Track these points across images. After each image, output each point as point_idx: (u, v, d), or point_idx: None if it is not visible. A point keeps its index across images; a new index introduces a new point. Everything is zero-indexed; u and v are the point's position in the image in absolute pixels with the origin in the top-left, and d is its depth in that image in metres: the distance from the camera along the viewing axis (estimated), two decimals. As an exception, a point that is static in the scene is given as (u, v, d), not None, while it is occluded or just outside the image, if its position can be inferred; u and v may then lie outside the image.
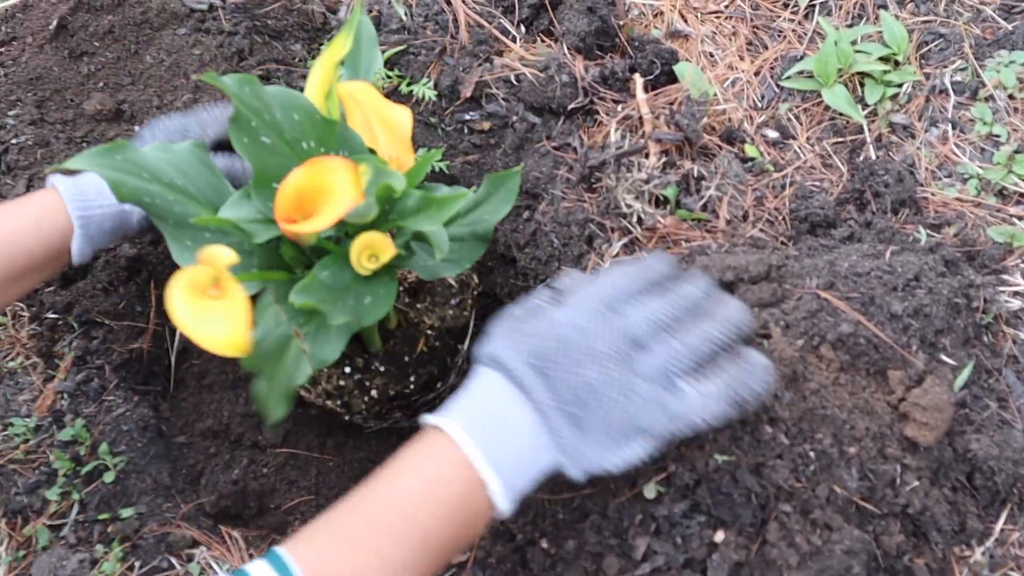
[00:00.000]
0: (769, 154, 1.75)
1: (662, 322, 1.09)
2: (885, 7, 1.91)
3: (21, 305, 1.58)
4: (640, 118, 1.72)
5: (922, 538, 1.32)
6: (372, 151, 1.21)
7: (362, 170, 1.12)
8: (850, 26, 1.90)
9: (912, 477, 1.32)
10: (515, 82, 1.76)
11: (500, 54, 1.83)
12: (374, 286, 1.19)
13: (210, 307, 1.00)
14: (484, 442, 1.01)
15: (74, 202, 1.29)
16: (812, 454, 1.33)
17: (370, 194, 1.12)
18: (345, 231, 1.21)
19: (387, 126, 1.21)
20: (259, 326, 1.18)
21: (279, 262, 1.22)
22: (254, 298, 1.11)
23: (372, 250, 1.15)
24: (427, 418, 1.05)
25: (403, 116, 1.22)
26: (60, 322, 1.56)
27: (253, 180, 1.15)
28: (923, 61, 1.85)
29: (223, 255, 1.02)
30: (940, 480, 1.35)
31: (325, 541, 0.98)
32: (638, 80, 1.77)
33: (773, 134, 1.78)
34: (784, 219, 1.64)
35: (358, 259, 1.14)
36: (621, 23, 1.84)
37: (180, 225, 1.20)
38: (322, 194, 1.07)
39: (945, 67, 1.83)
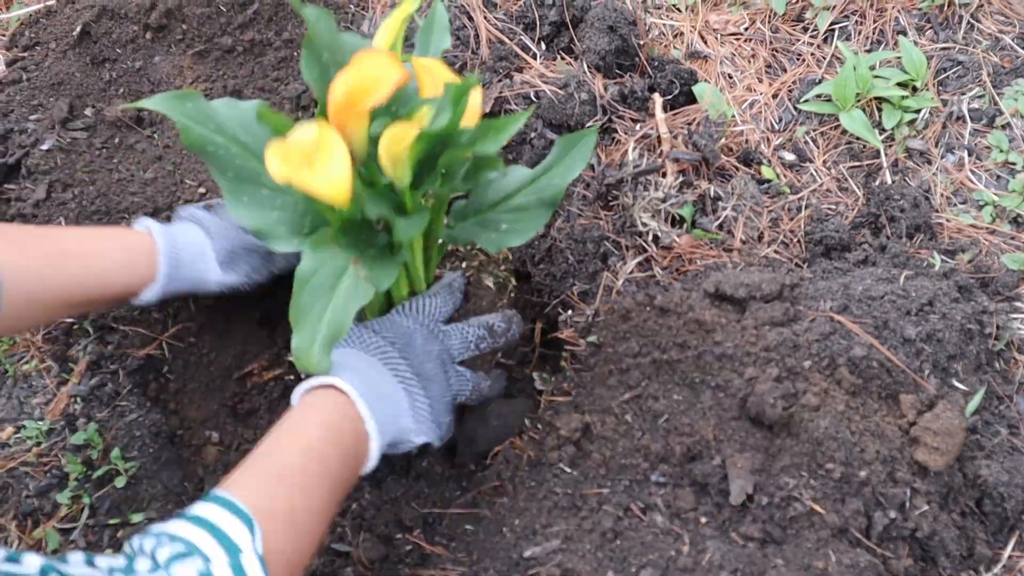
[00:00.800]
0: (786, 176, 1.76)
1: (471, 344, 1.38)
2: (904, 33, 1.91)
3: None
4: (658, 137, 1.73)
5: (930, 562, 1.31)
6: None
7: (425, 110, 1.19)
8: (869, 51, 1.91)
9: (922, 501, 1.32)
10: (534, 99, 1.77)
11: (520, 70, 1.83)
12: (409, 216, 1.24)
13: (312, 161, 1.09)
14: (371, 403, 1.20)
15: (168, 259, 1.36)
16: (822, 475, 1.33)
17: (445, 104, 1.17)
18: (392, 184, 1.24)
19: None
20: (310, 263, 1.20)
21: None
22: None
23: (397, 138, 1.17)
24: (326, 379, 1.21)
25: (474, 89, 1.26)
26: (75, 326, 1.57)
27: (317, 110, 1.20)
28: (941, 88, 1.85)
29: (314, 126, 1.10)
30: (949, 505, 1.35)
31: (257, 485, 1.08)
32: (657, 100, 1.77)
33: (790, 156, 1.79)
34: (799, 241, 1.65)
35: (387, 151, 1.17)
36: (641, 43, 1.84)
37: (240, 179, 1.24)
38: (369, 83, 1.12)
39: (963, 94, 1.84)
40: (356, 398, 1.19)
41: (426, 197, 1.30)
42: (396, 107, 1.23)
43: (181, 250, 1.37)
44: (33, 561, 0.88)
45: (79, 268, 1.29)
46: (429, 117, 1.20)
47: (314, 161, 1.09)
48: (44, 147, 1.70)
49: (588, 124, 1.76)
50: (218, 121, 1.25)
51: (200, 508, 1.04)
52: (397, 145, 1.17)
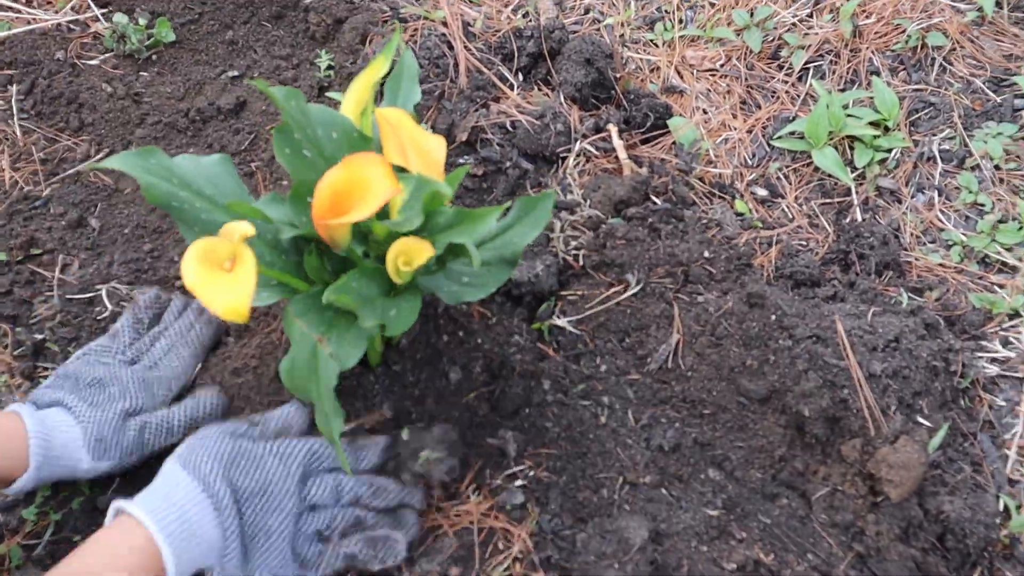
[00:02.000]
0: (758, 211, 1.77)
1: (341, 494, 1.30)
2: (878, 73, 1.94)
3: (5, 328, 1.58)
4: (619, 165, 1.75)
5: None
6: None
7: (401, 186, 1.17)
8: (843, 90, 1.93)
9: (876, 531, 1.34)
10: (510, 128, 1.78)
11: (497, 100, 1.85)
12: (399, 301, 1.24)
13: (220, 278, 1.07)
14: (174, 543, 1.14)
15: (39, 451, 1.30)
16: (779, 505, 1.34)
17: (415, 203, 1.18)
18: (366, 251, 1.24)
19: (421, 152, 1.24)
20: (292, 346, 1.21)
21: (303, 276, 1.26)
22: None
23: (407, 255, 1.18)
24: (124, 504, 1.16)
25: (437, 144, 1.26)
26: (46, 342, 1.56)
27: (291, 190, 1.21)
28: (912, 128, 1.88)
29: (242, 228, 1.08)
30: (910, 539, 1.36)
31: None
32: (612, 129, 1.80)
33: (762, 192, 1.81)
34: (769, 276, 1.66)
35: (394, 262, 1.18)
36: (618, 76, 1.86)
37: (206, 233, 1.23)
38: (358, 190, 1.12)
39: (934, 135, 1.86)
40: (158, 537, 1.14)
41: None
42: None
43: (51, 440, 1.32)
44: None
45: None
46: (402, 197, 1.20)
47: (223, 279, 1.08)
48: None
49: (561, 152, 1.77)
50: (182, 176, 1.25)
51: None
52: (407, 264, 1.18)
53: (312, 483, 1.29)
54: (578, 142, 1.78)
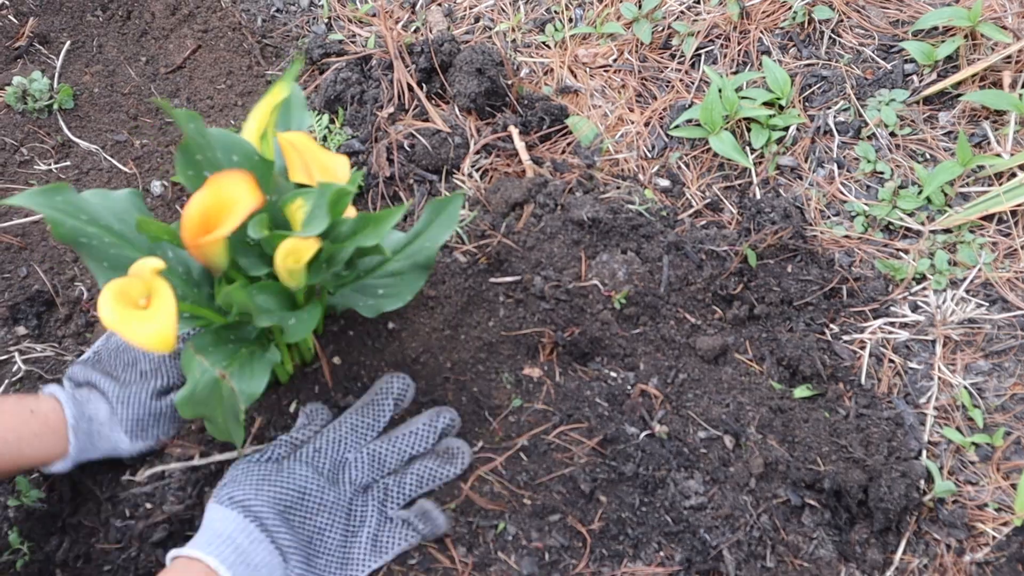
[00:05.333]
0: (663, 202, 1.77)
1: (382, 464, 1.34)
2: (768, 53, 1.95)
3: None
4: (523, 169, 1.75)
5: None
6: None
7: (299, 203, 1.19)
8: (735, 73, 1.94)
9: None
10: (408, 148, 1.78)
11: (396, 119, 1.84)
12: (300, 312, 1.25)
13: (138, 315, 1.09)
14: (235, 570, 1.17)
15: (78, 435, 1.35)
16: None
17: (318, 211, 1.18)
18: (271, 273, 1.24)
19: (325, 171, 1.26)
20: (189, 379, 1.21)
21: (216, 308, 1.27)
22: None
23: (296, 254, 1.18)
24: (183, 551, 1.19)
25: (340, 162, 1.28)
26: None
27: None
28: (807, 103, 1.89)
29: (152, 263, 1.11)
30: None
31: None
32: (514, 131, 1.80)
33: (664, 182, 1.81)
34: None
35: (283, 264, 1.18)
36: (510, 82, 1.86)
37: (115, 268, 1.23)
38: (224, 207, 1.13)
39: (828, 108, 1.87)
40: (221, 572, 1.17)
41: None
42: (269, 194, 1.23)
43: (91, 423, 1.36)
44: None
45: None
46: (304, 209, 1.20)
47: (143, 314, 1.10)
48: None
49: (463, 166, 1.77)
50: (90, 212, 1.25)
51: None
52: (296, 262, 1.18)
53: (348, 466, 1.33)
54: (470, 150, 1.78)
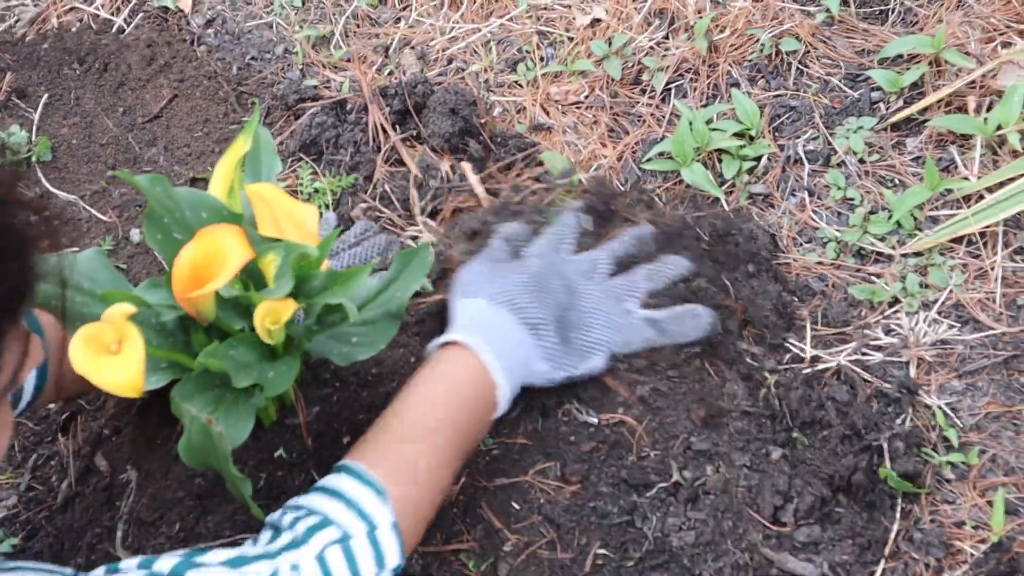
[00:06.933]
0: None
1: (608, 260, 1.49)
2: (737, 85, 1.98)
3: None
4: (477, 201, 1.78)
5: None
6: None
7: (271, 258, 1.22)
8: (705, 106, 1.97)
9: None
10: (387, 189, 1.81)
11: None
12: (278, 364, 1.27)
13: (108, 361, 1.11)
14: (497, 353, 1.29)
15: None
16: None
17: (285, 270, 1.20)
18: (249, 324, 1.25)
19: (294, 222, 1.27)
20: (185, 429, 1.21)
21: (193, 354, 1.27)
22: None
23: (274, 315, 1.20)
24: (451, 335, 1.32)
25: (309, 212, 1.30)
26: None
27: (166, 274, 1.21)
28: (777, 133, 1.92)
29: (123, 308, 1.13)
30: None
31: (386, 449, 1.21)
32: (466, 166, 1.82)
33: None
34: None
35: (262, 323, 1.20)
36: (483, 121, 1.89)
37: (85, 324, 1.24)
38: (215, 261, 1.16)
39: (798, 137, 1.90)
40: (482, 351, 1.28)
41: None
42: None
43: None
44: (166, 564, 1.01)
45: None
46: (275, 264, 1.22)
47: (113, 360, 1.11)
48: None
49: (414, 208, 1.80)
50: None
51: (333, 480, 1.18)
52: (274, 322, 1.20)
53: (573, 263, 1.46)
54: (430, 190, 1.81)
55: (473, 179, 1.80)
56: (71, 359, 1.09)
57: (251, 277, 1.26)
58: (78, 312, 1.26)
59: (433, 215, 1.80)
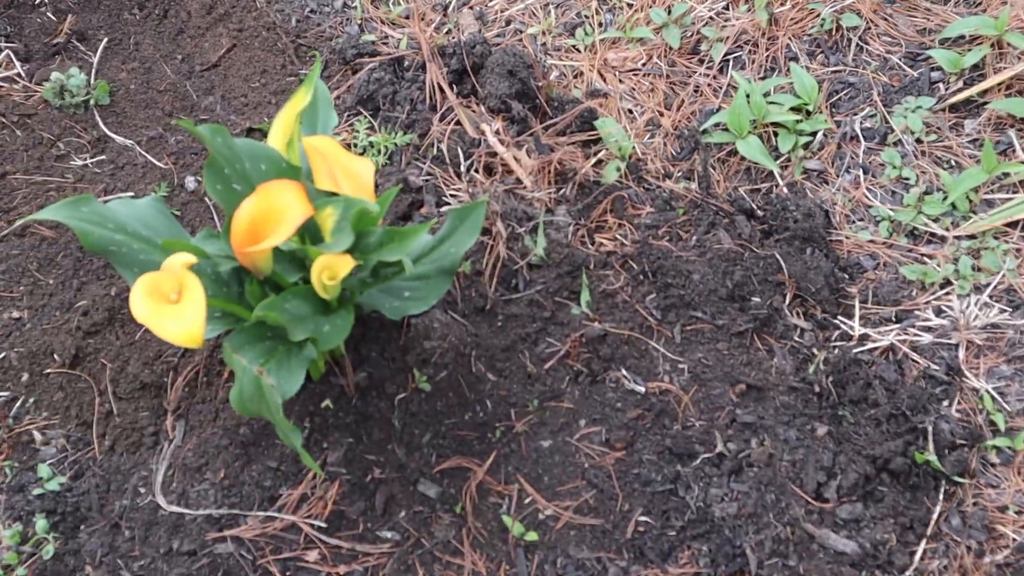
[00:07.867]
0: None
1: None
2: (796, 59, 1.97)
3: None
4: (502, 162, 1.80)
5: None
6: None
7: (328, 211, 1.22)
8: (763, 79, 1.96)
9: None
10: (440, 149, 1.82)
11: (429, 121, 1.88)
12: (333, 317, 1.29)
13: (169, 310, 1.13)
14: None
15: None
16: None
17: (344, 225, 1.21)
18: (305, 277, 1.27)
19: (350, 176, 1.28)
20: (236, 378, 1.24)
21: (246, 305, 1.30)
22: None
23: (331, 270, 1.22)
24: None
25: (365, 166, 1.31)
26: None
27: (225, 224, 1.24)
28: (834, 109, 1.91)
29: (183, 258, 1.14)
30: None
31: None
32: (486, 128, 1.83)
33: (692, 184, 1.83)
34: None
35: (318, 278, 1.22)
36: (540, 84, 1.89)
37: (145, 272, 1.25)
38: (274, 216, 1.17)
39: (855, 114, 1.89)
40: None
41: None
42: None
43: None
44: None
45: None
46: (333, 219, 1.23)
47: (173, 309, 1.13)
48: None
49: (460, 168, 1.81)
50: (116, 221, 1.29)
51: None
52: (331, 278, 1.22)
53: None
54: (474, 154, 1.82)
55: (493, 140, 1.81)
56: (132, 307, 1.10)
57: (307, 230, 1.27)
58: (136, 259, 1.28)
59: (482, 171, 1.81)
